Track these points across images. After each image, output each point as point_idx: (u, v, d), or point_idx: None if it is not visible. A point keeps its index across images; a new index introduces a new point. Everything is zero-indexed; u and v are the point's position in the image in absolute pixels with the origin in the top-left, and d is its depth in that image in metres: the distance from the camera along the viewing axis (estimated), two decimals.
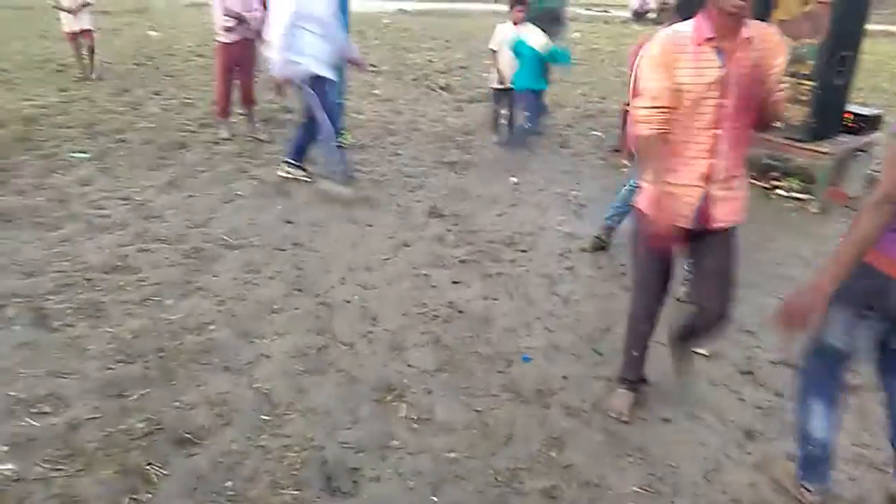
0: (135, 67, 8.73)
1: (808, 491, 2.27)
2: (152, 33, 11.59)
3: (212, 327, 3.14)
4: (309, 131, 4.84)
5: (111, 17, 13.25)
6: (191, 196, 4.74)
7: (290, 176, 5.06)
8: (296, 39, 4.46)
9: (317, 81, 4.61)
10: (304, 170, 5.10)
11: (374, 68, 8.49)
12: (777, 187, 5.66)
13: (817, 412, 2.21)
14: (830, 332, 2.12)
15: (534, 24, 6.08)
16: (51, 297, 3.28)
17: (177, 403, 2.60)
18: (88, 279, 3.48)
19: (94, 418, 2.49)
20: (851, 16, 5.11)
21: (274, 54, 4.50)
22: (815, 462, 2.26)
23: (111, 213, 4.34)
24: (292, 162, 5.06)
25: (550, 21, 6.59)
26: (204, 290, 3.48)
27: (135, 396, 2.61)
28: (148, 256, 3.80)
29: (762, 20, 5.74)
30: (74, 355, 2.84)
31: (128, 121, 6.38)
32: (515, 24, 6.05)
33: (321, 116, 4.64)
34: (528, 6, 6.06)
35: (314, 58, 4.56)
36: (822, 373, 2.22)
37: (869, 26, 5.47)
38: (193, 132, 6.24)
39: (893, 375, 2.20)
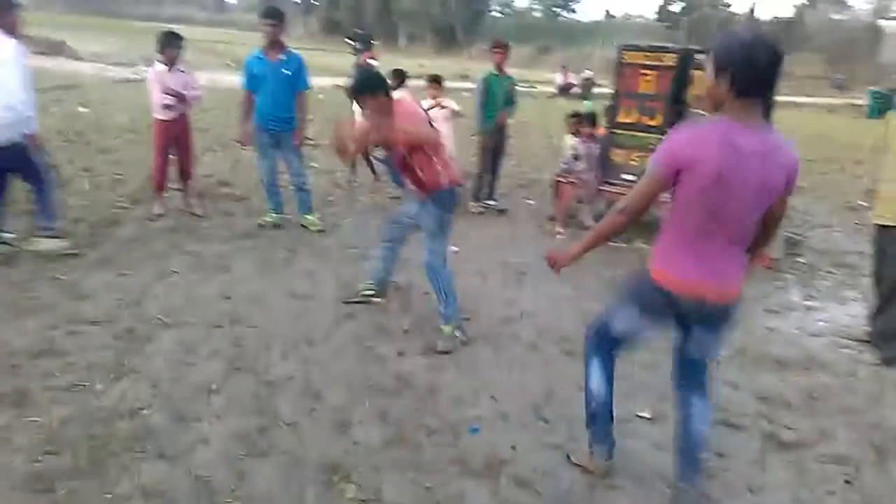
0: (64, 144, 8.51)
1: (592, 453, 2.70)
2: (82, 109, 11.38)
3: (146, 412, 3.00)
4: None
5: (38, 93, 12.97)
6: (123, 274, 4.59)
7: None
8: None
9: None
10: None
11: (311, 142, 8.55)
12: None
13: (595, 372, 2.64)
14: (617, 320, 2.54)
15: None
16: None
17: (109, 496, 2.46)
18: (13, 365, 3.29)
19: None
20: None
21: None
22: (595, 419, 2.67)
23: (38, 294, 4.15)
24: None
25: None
26: (137, 373, 3.34)
27: (64, 490, 2.45)
28: (77, 339, 3.63)
29: (680, 95, 6.08)
30: None
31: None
32: None
33: None
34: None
35: None
36: (602, 345, 2.63)
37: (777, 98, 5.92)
38: (126, 208, 6.10)
39: (687, 386, 2.55)
